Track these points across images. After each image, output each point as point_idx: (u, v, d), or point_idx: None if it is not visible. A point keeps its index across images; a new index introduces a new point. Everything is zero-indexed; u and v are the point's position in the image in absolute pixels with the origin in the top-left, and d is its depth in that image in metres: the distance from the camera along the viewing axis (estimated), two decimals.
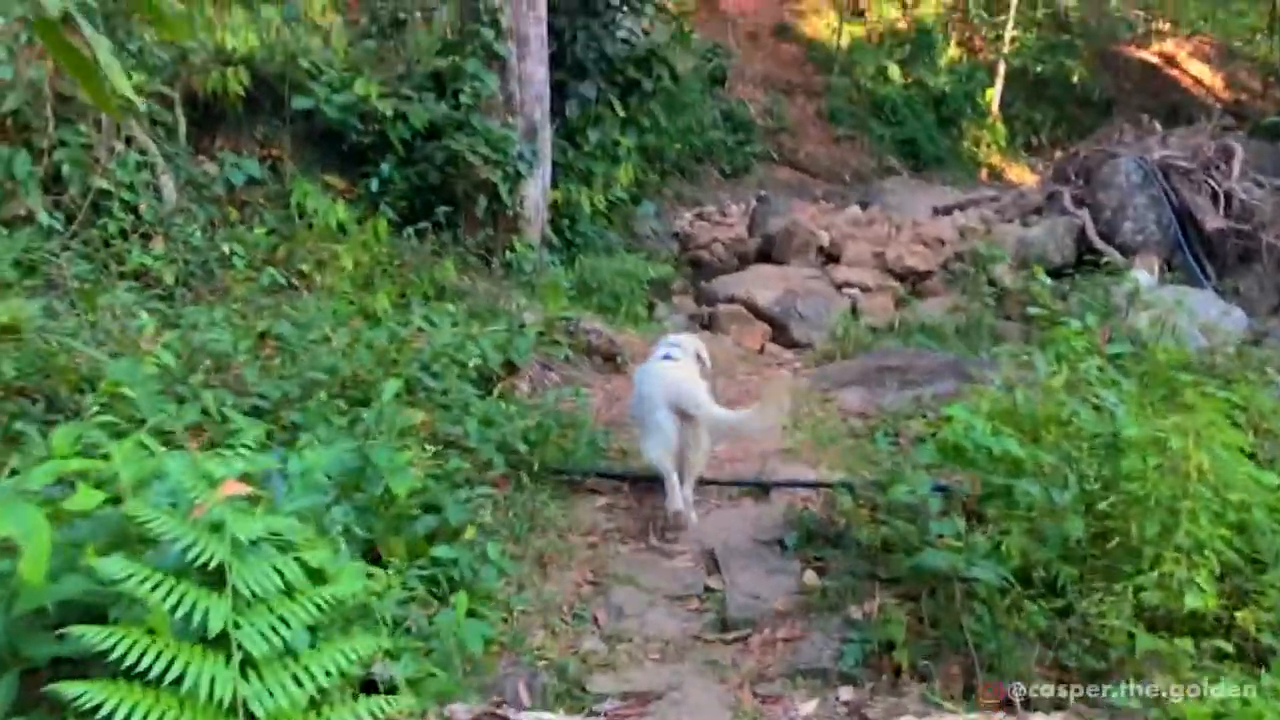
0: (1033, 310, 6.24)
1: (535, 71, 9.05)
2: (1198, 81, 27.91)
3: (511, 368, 6.09)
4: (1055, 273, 12.19)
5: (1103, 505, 3.16)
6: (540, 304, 8.16)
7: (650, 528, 4.57)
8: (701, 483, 4.95)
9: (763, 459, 5.53)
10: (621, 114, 10.51)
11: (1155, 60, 28.28)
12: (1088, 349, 5.33)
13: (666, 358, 5.01)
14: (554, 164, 9.76)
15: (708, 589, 3.98)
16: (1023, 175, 23.83)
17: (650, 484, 5.06)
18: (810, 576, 3.97)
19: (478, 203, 8.74)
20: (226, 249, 7.37)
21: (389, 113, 8.51)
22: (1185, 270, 12.30)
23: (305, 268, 7.65)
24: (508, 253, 8.92)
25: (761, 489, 4.93)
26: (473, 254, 8.71)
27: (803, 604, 3.78)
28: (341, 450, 3.19)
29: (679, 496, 4.45)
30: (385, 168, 8.71)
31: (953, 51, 25.63)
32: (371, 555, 3.33)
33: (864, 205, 16.25)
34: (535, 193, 9.27)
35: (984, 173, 23.73)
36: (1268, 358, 7.52)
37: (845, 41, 24.49)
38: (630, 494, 5.02)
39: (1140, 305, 8.05)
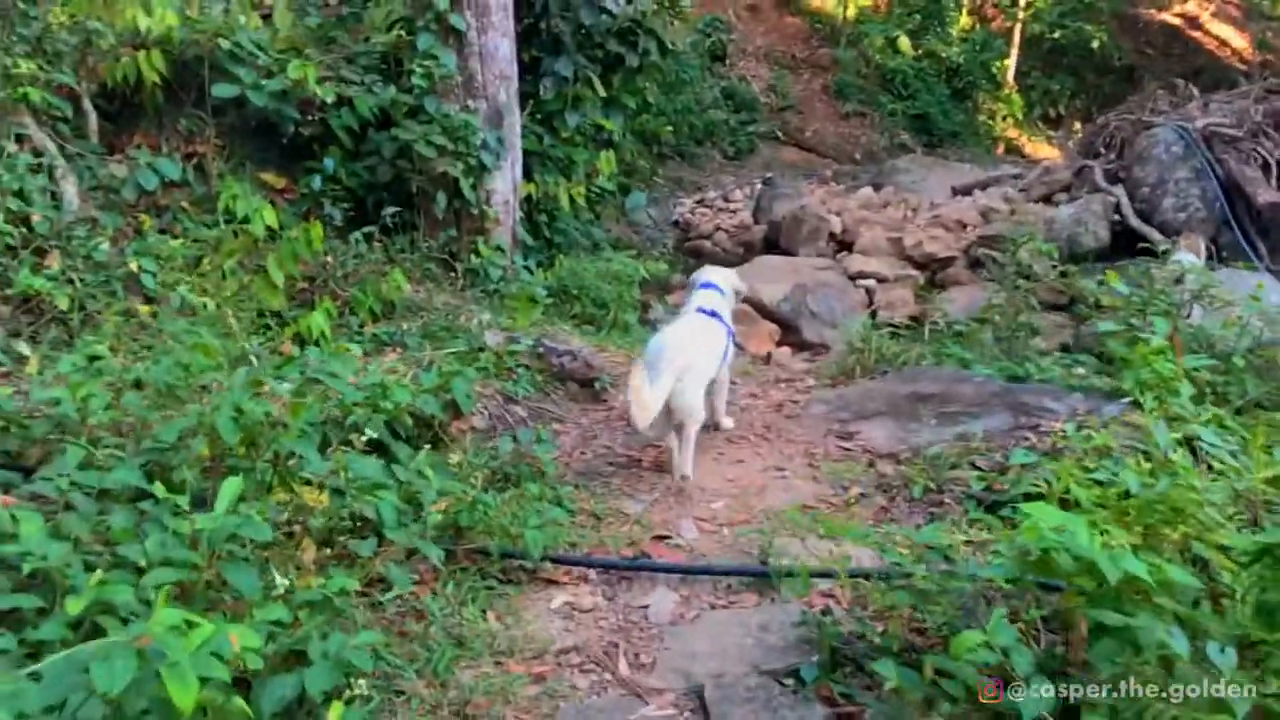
0: (1104, 326, 5.04)
1: (499, 46, 7.81)
2: (1223, 43, 26.68)
3: (457, 410, 4.93)
4: (1093, 256, 11.01)
5: None
6: (508, 318, 7.01)
7: (622, 645, 3.42)
8: (689, 573, 3.85)
9: (767, 518, 4.38)
10: (603, 94, 9.26)
11: (1177, 22, 27.07)
12: (1172, 373, 4.20)
13: (701, 310, 5.17)
14: (526, 153, 8.55)
15: None
16: (1041, 149, 22.71)
17: (624, 572, 3.93)
18: None
19: (436, 201, 7.56)
20: (135, 265, 6.25)
21: (330, 99, 7.33)
22: (1234, 250, 11.10)
23: (230, 285, 6.52)
24: (472, 258, 7.73)
25: (766, 578, 3.77)
26: (431, 261, 7.53)
27: None
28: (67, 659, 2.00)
29: (678, 462, 4.74)
30: (329, 163, 7.54)
31: (964, 20, 24.55)
32: None
33: (877, 186, 15.07)
34: (504, 187, 8.06)
35: (1000, 147, 22.60)
36: None
37: (851, 12, 23.35)
38: (598, 585, 3.87)
39: (1211, 300, 6.84)
